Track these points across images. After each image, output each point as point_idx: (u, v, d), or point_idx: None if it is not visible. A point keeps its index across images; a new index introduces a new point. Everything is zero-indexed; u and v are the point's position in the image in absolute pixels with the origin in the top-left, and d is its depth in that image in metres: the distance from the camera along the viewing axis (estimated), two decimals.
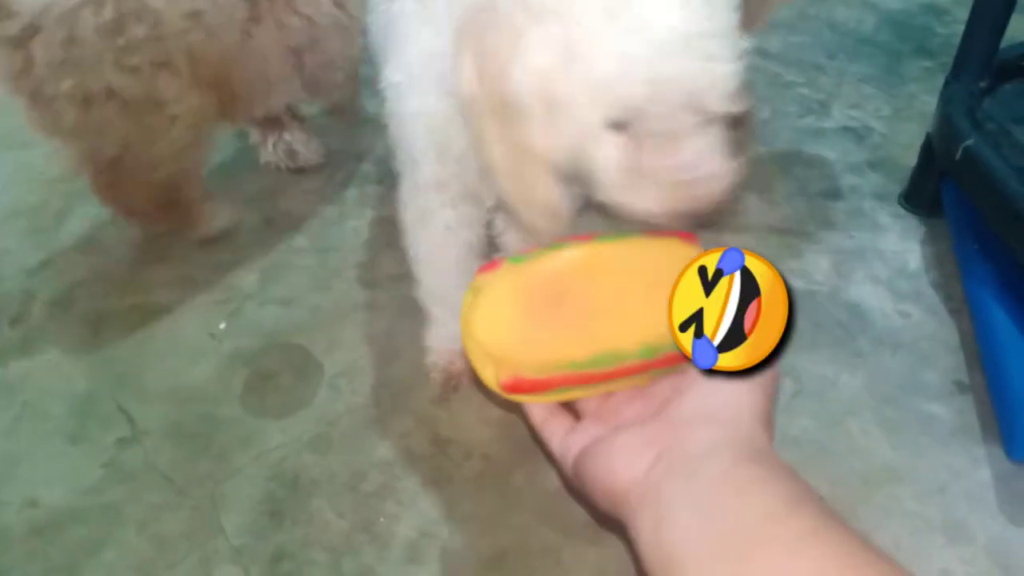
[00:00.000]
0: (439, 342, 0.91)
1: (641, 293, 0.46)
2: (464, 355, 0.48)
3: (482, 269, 0.47)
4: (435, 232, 0.77)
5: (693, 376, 0.42)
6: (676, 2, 0.50)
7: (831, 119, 1.33)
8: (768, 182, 1.21)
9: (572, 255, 0.47)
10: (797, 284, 1.03)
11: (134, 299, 1.04)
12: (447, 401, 0.91)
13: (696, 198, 0.53)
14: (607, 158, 0.54)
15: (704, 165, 0.53)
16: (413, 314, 1.01)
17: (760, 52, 1.50)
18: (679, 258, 0.45)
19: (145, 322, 1.01)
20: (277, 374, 0.95)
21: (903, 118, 1.33)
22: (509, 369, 0.45)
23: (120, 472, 0.85)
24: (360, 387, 0.93)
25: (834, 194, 1.18)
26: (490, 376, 0.46)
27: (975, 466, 0.83)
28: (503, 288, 0.46)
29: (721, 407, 0.40)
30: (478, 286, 0.47)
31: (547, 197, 0.58)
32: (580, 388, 0.46)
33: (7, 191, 1.23)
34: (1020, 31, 1.47)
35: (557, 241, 0.48)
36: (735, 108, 0.53)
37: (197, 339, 0.99)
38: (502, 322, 0.46)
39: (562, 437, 0.46)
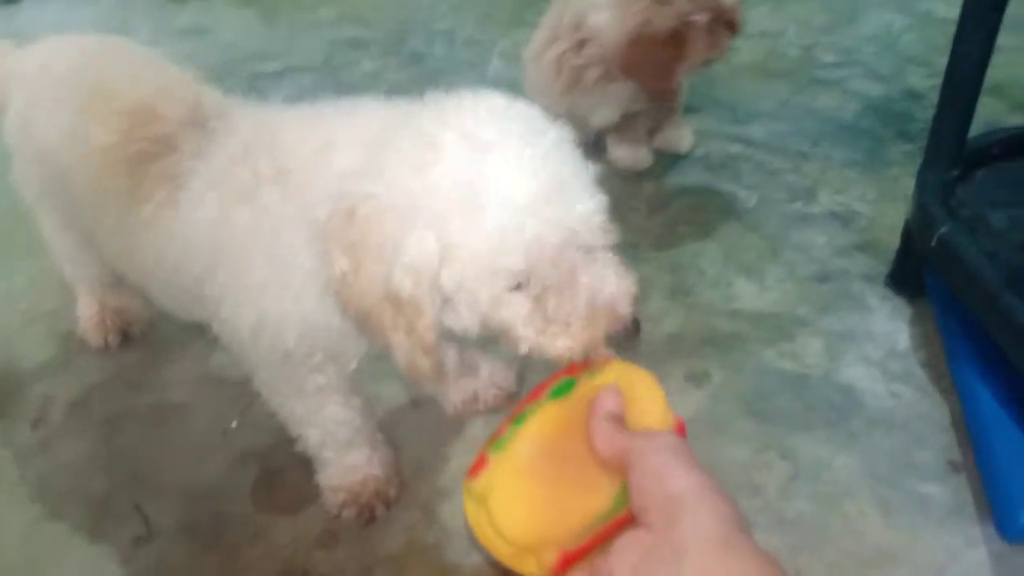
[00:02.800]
0: (336, 480, 0.91)
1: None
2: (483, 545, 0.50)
3: (472, 472, 0.50)
4: (310, 396, 0.83)
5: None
6: (525, 171, 0.58)
7: (818, 204, 1.39)
8: (759, 267, 1.25)
9: (538, 421, 0.51)
10: (790, 367, 1.06)
11: (150, 398, 1.08)
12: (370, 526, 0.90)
13: (612, 320, 0.60)
14: (516, 315, 0.62)
15: (605, 289, 0.60)
16: (417, 407, 1.05)
17: (746, 141, 1.57)
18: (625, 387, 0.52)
19: (161, 421, 1.05)
20: (285, 470, 0.98)
21: (887, 201, 1.38)
22: (553, 549, 0.47)
23: (137, 571, 0.87)
24: None
25: (823, 277, 1.22)
26: (533, 567, 0.48)
27: (971, 546, 0.85)
28: (506, 480, 0.49)
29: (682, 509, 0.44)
30: (481, 492, 0.49)
31: (435, 366, 0.64)
32: (614, 538, 0.48)
33: (26, 297, 1.28)
34: (993, 111, 1.54)
35: (516, 413, 0.52)
36: (608, 237, 0.61)
37: (210, 437, 1.02)
38: (522, 511, 0.48)
39: None
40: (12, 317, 1.24)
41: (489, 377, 1.02)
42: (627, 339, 0.61)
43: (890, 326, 1.13)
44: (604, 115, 1.42)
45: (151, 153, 0.82)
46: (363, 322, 0.65)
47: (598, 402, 0.51)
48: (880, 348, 1.09)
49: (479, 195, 0.58)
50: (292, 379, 0.81)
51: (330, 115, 0.72)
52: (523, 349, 0.63)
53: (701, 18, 1.22)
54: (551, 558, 0.47)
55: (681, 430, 0.54)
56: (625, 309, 0.61)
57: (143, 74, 0.89)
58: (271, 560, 0.87)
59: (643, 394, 0.54)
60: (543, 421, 0.51)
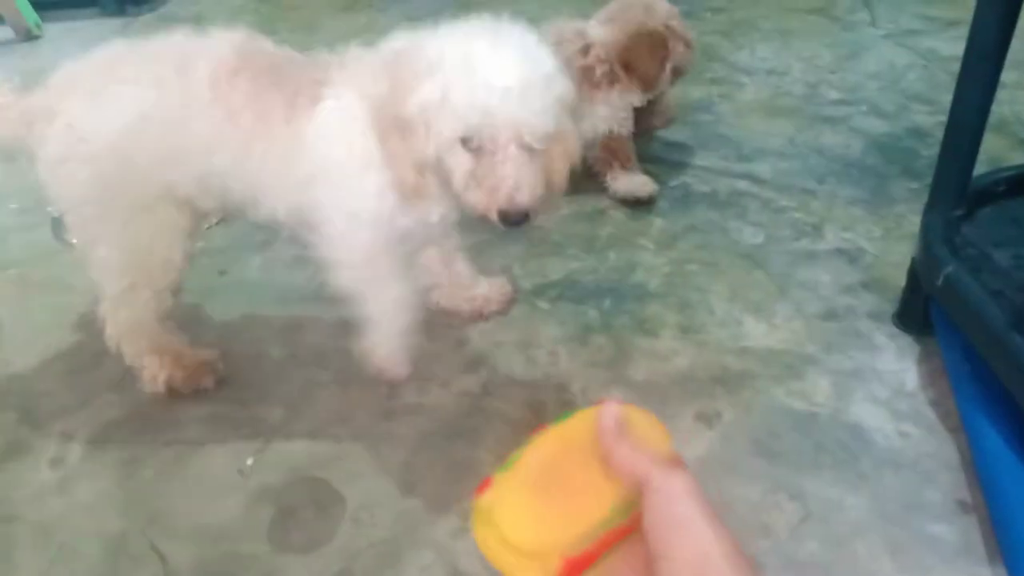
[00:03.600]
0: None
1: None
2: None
3: (478, 491, 0.52)
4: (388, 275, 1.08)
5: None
6: (510, 68, 0.86)
7: (824, 242, 1.40)
8: (767, 305, 1.26)
9: (539, 442, 0.53)
10: (799, 406, 1.07)
11: (167, 436, 1.10)
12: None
13: (509, 199, 0.88)
14: (458, 164, 0.91)
15: (520, 176, 0.88)
16: (430, 445, 1.06)
17: (753, 179, 1.59)
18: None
19: (177, 459, 1.06)
20: (301, 508, 0.99)
21: (893, 239, 1.40)
22: (557, 556, 0.48)
23: None
24: (381, 520, 0.97)
25: (830, 315, 1.24)
26: None
27: None
28: (511, 494, 0.51)
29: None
30: (487, 507, 0.51)
31: (419, 181, 0.94)
32: (615, 549, 0.50)
33: (47, 335, 1.30)
34: (996, 148, 1.56)
35: (526, 439, 0.54)
36: (542, 144, 0.89)
37: (226, 475, 1.04)
38: (527, 519, 0.50)
39: None
40: (31, 354, 1.26)
41: (489, 290, 1.29)
42: (515, 223, 0.89)
43: (898, 365, 1.14)
44: (596, 122, 1.56)
45: (267, 80, 1.00)
46: (381, 139, 0.93)
47: (603, 414, 0.52)
48: (888, 387, 1.10)
49: (474, 72, 0.86)
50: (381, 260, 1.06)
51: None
52: (453, 189, 0.92)
53: (676, 23, 1.54)
54: (555, 565, 0.48)
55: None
56: (523, 198, 0.88)
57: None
58: None
59: (646, 432, 0.55)
60: (545, 442, 0.54)
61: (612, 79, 1.53)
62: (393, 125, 0.91)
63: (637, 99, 1.56)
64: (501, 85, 0.85)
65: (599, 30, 1.54)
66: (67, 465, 1.07)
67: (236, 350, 1.24)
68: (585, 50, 1.52)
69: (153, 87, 1.00)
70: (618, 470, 0.50)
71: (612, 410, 0.52)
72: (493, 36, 0.89)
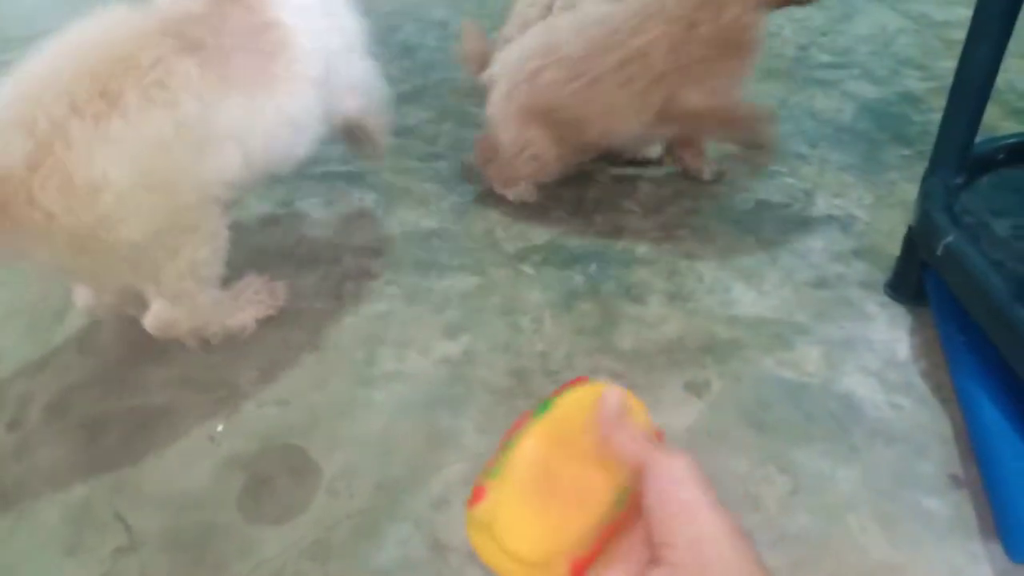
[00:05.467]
0: None
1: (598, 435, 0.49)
2: None
3: (472, 503, 0.48)
4: None
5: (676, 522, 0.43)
6: None
7: (816, 208, 1.37)
8: (757, 272, 1.23)
9: (526, 443, 0.49)
10: (789, 376, 1.05)
11: (132, 401, 1.05)
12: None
13: None
14: None
15: None
16: (410, 414, 1.02)
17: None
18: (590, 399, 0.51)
19: (143, 425, 1.01)
20: (274, 477, 0.95)
21: (885, 206, 1.37)
22: (564, 560, 0.46)
23: None
24: (358, 490, 0.93)
25: (821, 283, 1.21)
26: None
27: (974, 563, 0.83)
28: (507, 502, 0.48)
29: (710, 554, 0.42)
30: (484, 519, 0.48)
31: None
32: (615, 538, 0.48)
33: (6, 288, 1.24)
34: (987, 116, 1.53)
35: (504, 442, 0.50)
36: None
37: (195, 442, 0.99)
38: (528, 529, 0.47)
39: None
40: None
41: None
42: None
43: (889, 335, 1.11)
44: None
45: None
46: None
47: (606, 400, 0.49)
48: (879, 358, 1.08)
49: None
50: None
51: None
52: None
53: None
54: (563, 569, 0.46)
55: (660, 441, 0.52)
56: None
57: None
58: (259, 573, 0.84)
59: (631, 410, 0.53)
60: (531, 442, 0.50)
61: None
62: None
63: None
64: None
65: None
66: (26, 428, 1.01)
67: None
68: None
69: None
70: (618, 457, 0.47)
71: (615, 396, 0.49)
72: None
